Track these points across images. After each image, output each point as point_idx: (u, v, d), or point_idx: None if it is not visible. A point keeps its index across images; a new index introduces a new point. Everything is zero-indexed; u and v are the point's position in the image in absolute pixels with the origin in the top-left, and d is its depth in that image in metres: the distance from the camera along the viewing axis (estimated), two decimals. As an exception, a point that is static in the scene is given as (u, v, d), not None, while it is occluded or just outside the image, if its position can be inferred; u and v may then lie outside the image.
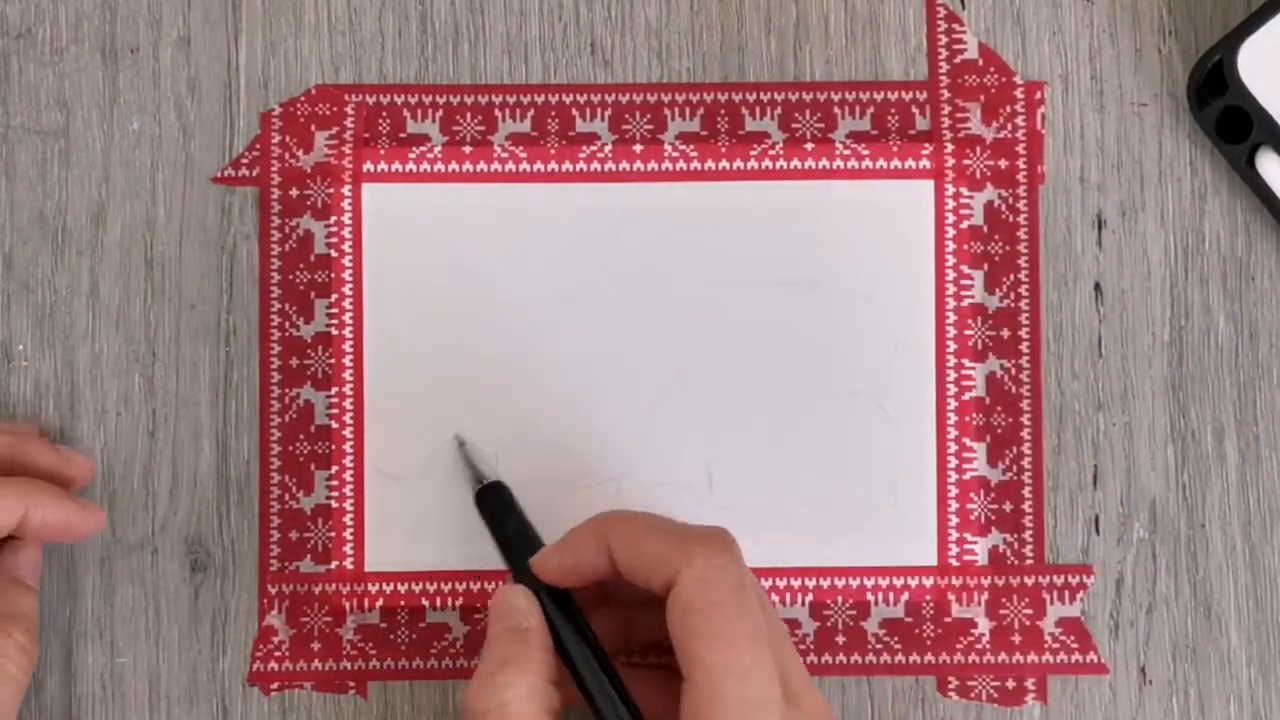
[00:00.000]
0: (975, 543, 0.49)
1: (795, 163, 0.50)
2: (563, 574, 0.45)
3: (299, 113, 0.50)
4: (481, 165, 0.50)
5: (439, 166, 0.50)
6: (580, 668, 0.44)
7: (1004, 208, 0.50)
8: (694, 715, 0.41)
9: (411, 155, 0.50)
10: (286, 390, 0.50)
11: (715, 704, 0.41)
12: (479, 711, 0.43)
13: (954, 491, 0.49)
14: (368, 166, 0.50)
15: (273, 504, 0.49)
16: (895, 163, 0.50)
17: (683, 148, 0.50)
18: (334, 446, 0.50)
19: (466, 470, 0.48)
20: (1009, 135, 0.50)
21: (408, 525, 0.49)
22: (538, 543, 0.46)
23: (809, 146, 0.50)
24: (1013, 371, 0.50)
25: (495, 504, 0.47)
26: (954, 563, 0.49)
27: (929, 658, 0.49)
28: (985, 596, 0.49)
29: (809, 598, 0.49)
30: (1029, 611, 0.49)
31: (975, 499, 0.49)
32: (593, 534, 0.44)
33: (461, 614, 0.49)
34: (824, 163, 0.50)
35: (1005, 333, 0.50)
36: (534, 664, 0.43)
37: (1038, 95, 0.50)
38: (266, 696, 0.49)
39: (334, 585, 0.49)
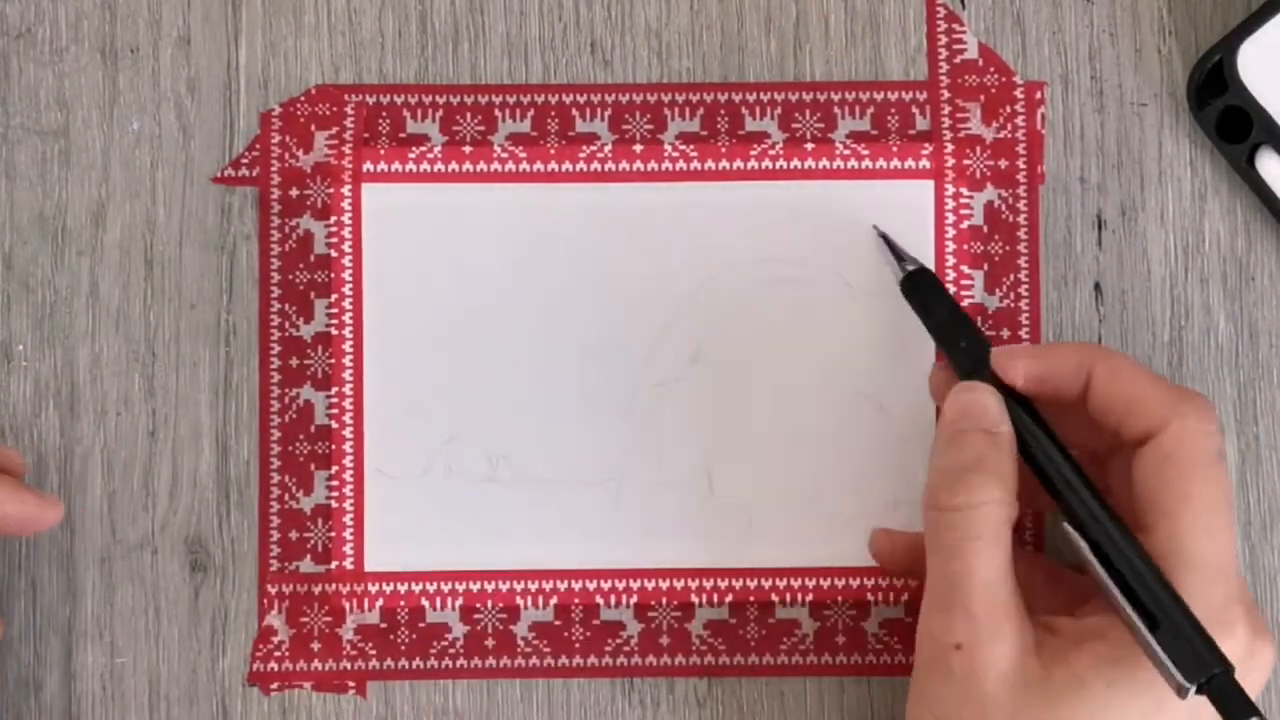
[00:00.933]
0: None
1: (795, 163, 0.50)
2: (1027, 380, 0.44)
3: (299, 113, 0.50)
4: (481, 165, 0.50)
5: (439, 166, 0.50)
6: (1057, 478, 0.43)
7: (1004, 208, 0.50)
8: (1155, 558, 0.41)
9: (411, 155, 0.50)
10: (286, 390, 0.50)
11: (1178, 559, 0.41)
12: (945, 504, 0.42)
13: (954, 491, 0.49)
14: (368, 166, 0.50)
15: (272, 504, 0.49)
16: (895, 163, 0.50)
17: (682, 148, 0.50)
18: (334, 446, 0.50)
19: (889, 257, 0.48)
20: (1009, 135, 0.50)
21: (408, 525, 0.49)
22: (976, 335, 0.46)
23: (809, 146, 0.50)
24: (1013, 371, 0.50)
25: (925, 289, 0.46)
26: (954, 563, 0.49)
27: (929, 658, 0.49)
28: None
29: (809, 598, 0.49)
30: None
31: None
32: (1077, 353, 0.44)
33: (461, 614, 0.49)
34: (824, 163, 0.50)
35: (1005, 333, 0.50)
36: (1008, 471, 0.43)
37: (1038, 95, 0.50)
38: (266, 696, 0.49)
39: (334, 585, 0.49)
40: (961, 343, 0.46)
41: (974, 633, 0.42)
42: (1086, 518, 0.42)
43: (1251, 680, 0.42)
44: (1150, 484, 0.42)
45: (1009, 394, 0.44)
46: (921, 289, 0.47)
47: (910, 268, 0.47)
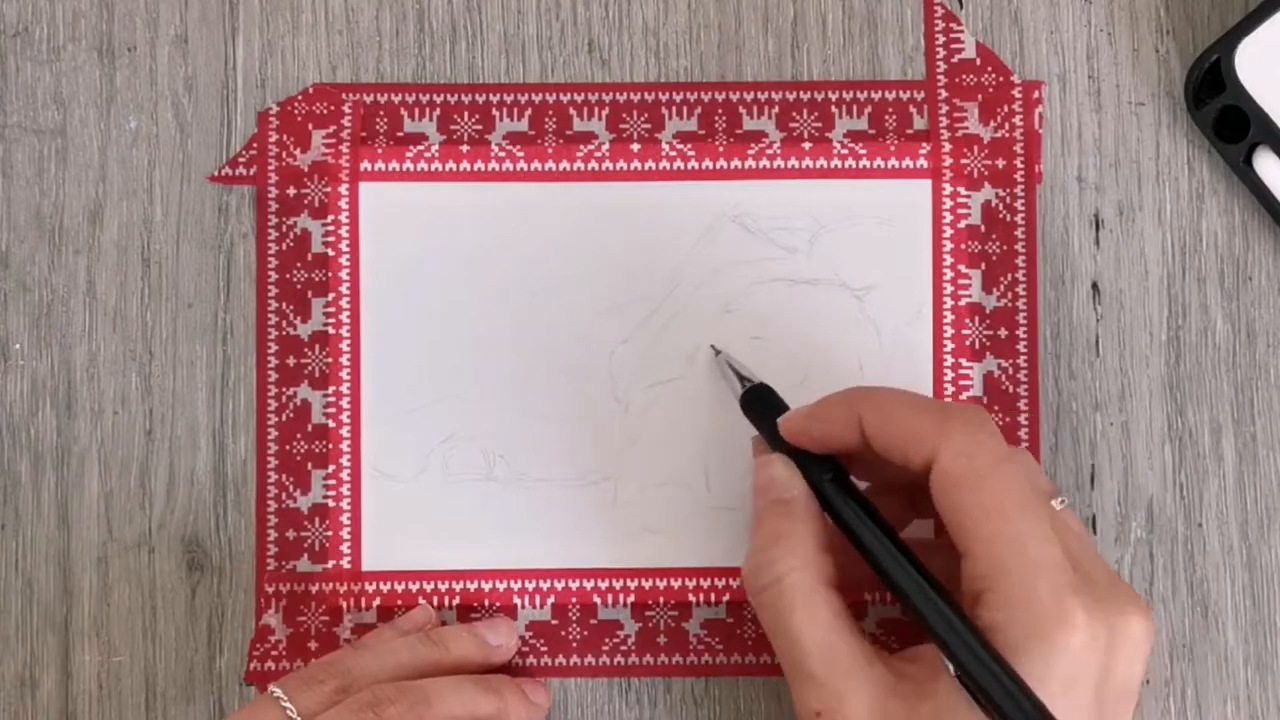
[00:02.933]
0: (972, 542, 0.49)
1: (793, 162, 0.50)
2: (810, 440, 0.44)
3: (296, 112, 0.50)
4: (479, 164, 0.50)
5: (436, 165, 0.50)
6: (857, 529, 0.43)
7: (1001, 207, 0.50)
8: (975, 588, 0.41)
9: (409, 154, 0.50)
10: (284, 389, 0.50)
11: (996, 573, 0.41)
12: (756, 589, 0.43)
13: (951, 491, 0.49)
14: (365, 165, 0.50)
15: (270, 503, 0.49)
16: (893, 162, 0.50)
17: (680, 147, 0.50)
18: (331, 446, 0.50)
19: (729, 377, 0.48)
20: (1006, 135, 0.50)
21: (405, 524, 0.49)
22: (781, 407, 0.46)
23: (807, 146, 0.50)
24: (1010, 371, 0.50)
25: (760, 404, 0.46)
26: (951, 562, 0.49)
27: (926, 657, 0.49)
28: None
29: (806, 597, 0.49)
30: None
31: None
32: (844, 404, 0.43)
33: (458, 613, 0.49)
34: (821, 162, 0.50)
35: (1003, 332, 0.50)
36: (803, 535, 0.43)
37: (1035, 95, 0.50)
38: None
39: (331, 584, 0.49)
40: (769, 416, 0.45)
41: (825, 697, 0.42)
42: (895, 570, 0.42)
43: (1123, 656, 0.41)
44: (947, 512, 0.41)
45: (820, 459, 0.44)
46: (757, 404, 0.46)
47: (750, 384, 0.47)
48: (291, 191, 0.50)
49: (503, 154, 0.50)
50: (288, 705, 0.44)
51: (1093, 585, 0.41)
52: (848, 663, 0.42)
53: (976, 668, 0.40)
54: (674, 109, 0.50)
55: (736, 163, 0.50)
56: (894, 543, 0.42)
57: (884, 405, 0.43)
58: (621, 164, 0.50)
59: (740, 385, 0.47)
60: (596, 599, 0.49)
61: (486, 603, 0.49)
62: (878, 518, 0.43)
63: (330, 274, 0.50)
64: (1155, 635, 0.43)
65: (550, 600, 0.49)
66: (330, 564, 0.49)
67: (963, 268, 0.50)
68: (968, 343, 0.50)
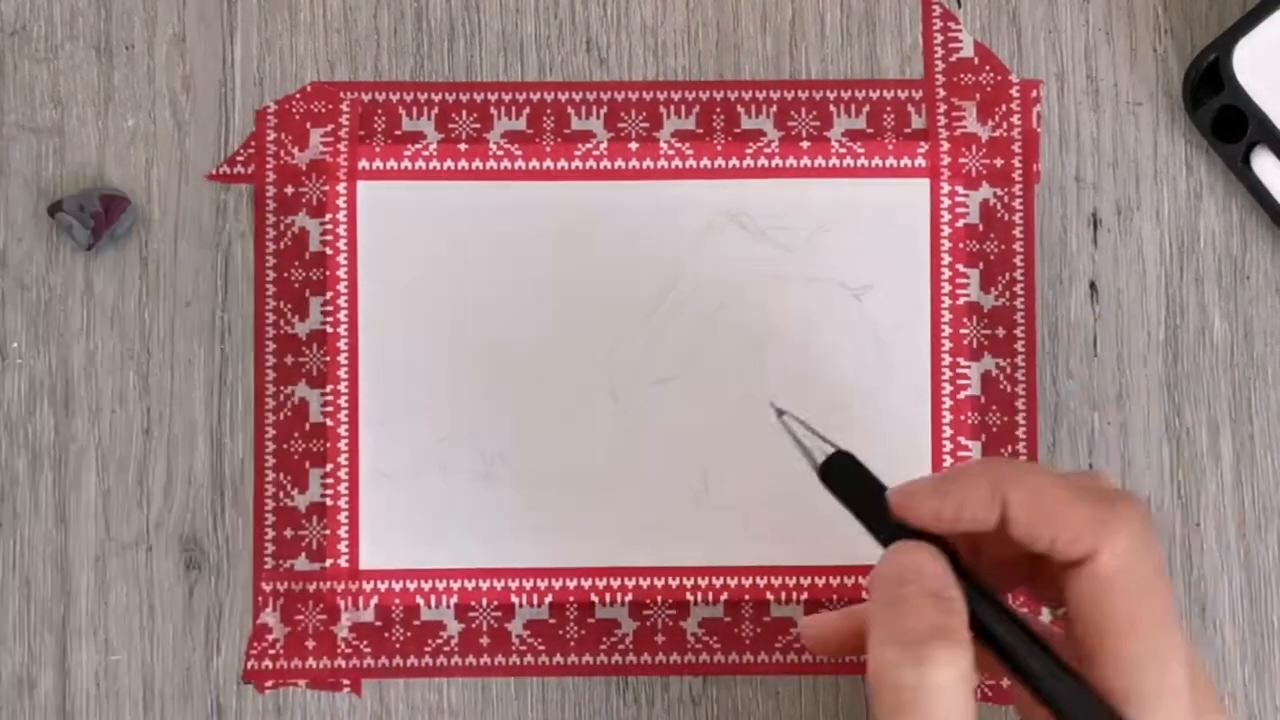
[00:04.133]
0: (970, 541, 0.49)
1: (791, 161, 0.50)
2: (935, 521, 0.39)
3: (294, 110, 0.50)
4: (477, 163, 0.50)
5: (434, 164, 0.50)
6: (1008, 640, 0.38)
7: (999, 206, 0.50)
8: (1104, 690, 0.38)
9: (407, 153, 0.50)
10: (281, 388, 0.50)
11: (1132, 693, 0.37)
12: (901, 686, 0.37)
13: (949, 490, 0.49)
14: (363, 164, 0.50)
15: (267, 502, 0.49)
16: (891, 161, 0.50)
17: (678, 146, 0.50)
18: (329, 444, 0.50)
19: (799, 445, 0.41)
20: (1004, 134, 0.50)
21: (403, 523, 0.49)
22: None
23: (805, 145, 0.50)
24: (1008, 370, 0.50)
25: (843, 474, 0.41)
26: (949, 561, 0.49)
27: (924, 656, 0.49)
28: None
29: (803, 596, 0.49)
30: (1024, 610, 0.49)
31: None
32: (986, 482, 0.38)
33: (456, 612, 0.49)
34: (820, 161, 0.50)
35: (1000, 331, 0.50)
36: (965, 641, 0.37)
37: (1033, 94, 0.50)
38: (261, 695, 0.49)
39: (329, 583, 0.49)
40: (859, 487, 0.41)
41: None
42: (1057, 689, 0.38)
43: None
44: (1089, 612, 0.38)
45: (972, 585, 0.39)
46: (841, 476, 0.41)
47: (829, 453, 0.41)
48: (289, 190, 0.50)
49: (501, 153, 0.50)
50: None
51: (1219, 710, 0.40)
52: None
53: None
54: (672, 108, 0.50)
55: (735, 162, 0.50)
56: (1043, 648, 0.39)
57: (1037, 491, 0.38)
58: (620, 163, 0.50)
59: (815, 454, 0.41)
60: (594, 598, 0.49)
61: (484, 601, 0.49)
62: (1025, 626, 0.39)
63: (328, 273, 0.50)
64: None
65: (548, 599, 0.49)
66: (328, 563, 0.49)
67: (961, 267, 0.50)
68: (966, 342, 0.50)
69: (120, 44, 0.50)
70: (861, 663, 0.49)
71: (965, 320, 0.50)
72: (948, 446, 0.49)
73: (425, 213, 0.50)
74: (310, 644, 0.49)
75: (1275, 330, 0.50)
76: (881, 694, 0.37)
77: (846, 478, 0.41)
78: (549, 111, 0.50)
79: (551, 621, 0.49)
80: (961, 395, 0.49)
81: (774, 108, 0.50)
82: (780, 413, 0.42)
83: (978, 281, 0.50)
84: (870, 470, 0.41)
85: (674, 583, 0.49)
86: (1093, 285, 0.50)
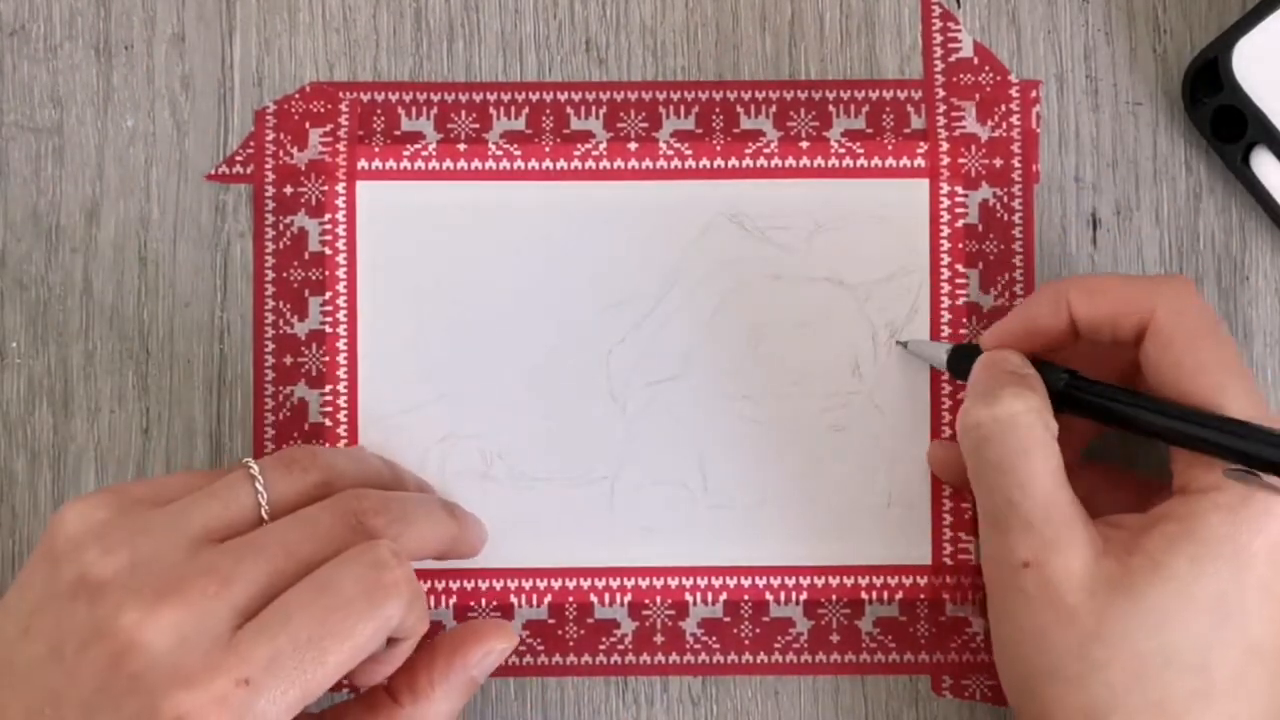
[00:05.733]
0: (970, 541, 0.49)
1: (790, 161, 0.50)
2: (1016, 340, 0.45)
3: (293, 110, 0.50)
4: (476, 163, 0.50)
5: (433, 164, 0.50)
6: (1102, 395, 0.43)
7: (999, 206, 0.50)
8: (1189, 456, 0.42)
9: (406, 153, 0.50)
10: (280, 388, 0.50)
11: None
12: (984, 422, 0.43)
13: (948, 490, 0.49)
14: (362, 164, 0.50)
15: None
16: (890, 161, 0.50)
17: (677, 146, 0.50)
18: (328, 444, 0.49)
19: (928, 353, 0.48)
20: (1004, 134, 0.50)
21: (402, 523, 0.49)
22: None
23: (804, 145, 0.50)
24: (1007, 370, 0.50)
25: (962, 361, 0.46)
26: (948, 561, 0.49)
27: (923, 656, 0.49)
28: (980, 595, 0.49)
29: (803, 596, 0.49)
30: None
31: (970, 497, 0.49)
32: (1049, 292, 0.44)
33: (456, 612, 0.49)
34: (819, 161, 0.50)
35: (1000, 331, 0.50)
36: (1040, 391, 0.43)
37: (1033, 94, 0.50)
38: (260, 695, 0.49)
39: (328, 583, 0.49)
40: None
41: (1039, 547, 0.42)
42: (1164, 418, 0.42)
43: None
44: (1163, 373, 0.42)
45: (1065, 375, 0.44)
46: (966, 360, 0.46)
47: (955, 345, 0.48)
48: (288, 190, 0.50)
49: (500, 153, 0.50)
50: (260, 488, 0.42)
51: None
52: (1068, 515, 0.42)
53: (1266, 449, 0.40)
54: (671, 108, 0.50)
55: (734, 162, 0.50)
56: (1139, 395, 0.43)
57: (1091, 281, 0.44)
58: (619, 163, 0.50)
59: (943, 351, 0.47)
60: (593, 598, 0.49)
61: (483, 601, 0.49)
62: (1114, 387, 0.44)
63: (327, 272, 0.50)
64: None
65: (547, 599, 0.49)
66: (327, 563, 0.49)
67: (960, 267, 0.50)
68: (965, 342, 0.50)
69: (119, 44, 0.50)
70: (862, 663, 0.49)
71: (965, 320, 0.50)
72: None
73: (424, 213, 0.50)
74: (309, 644, 0.49)
75: (1275, 331, 0.50)
76: (965, 440, 0.43)
77: (964, 363, 0.46)
78: (548, 111, 0.50)
79: (550, 622, 0.49)
80: (961, 395, 0.49)
81: (773, 108, 0.50)
82: (904, 344, 0.49)
83: (977, 282, 0.50)
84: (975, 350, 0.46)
85: (673, 583, 0.49)
86: (1092, 285, 0.50)
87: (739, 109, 0.50)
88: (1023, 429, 0.42)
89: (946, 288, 0.50)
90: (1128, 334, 0.43)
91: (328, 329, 0.50)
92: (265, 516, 0.42)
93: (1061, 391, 0.44)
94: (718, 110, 0.50)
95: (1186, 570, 0.41)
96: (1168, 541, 0.41)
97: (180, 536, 0.40)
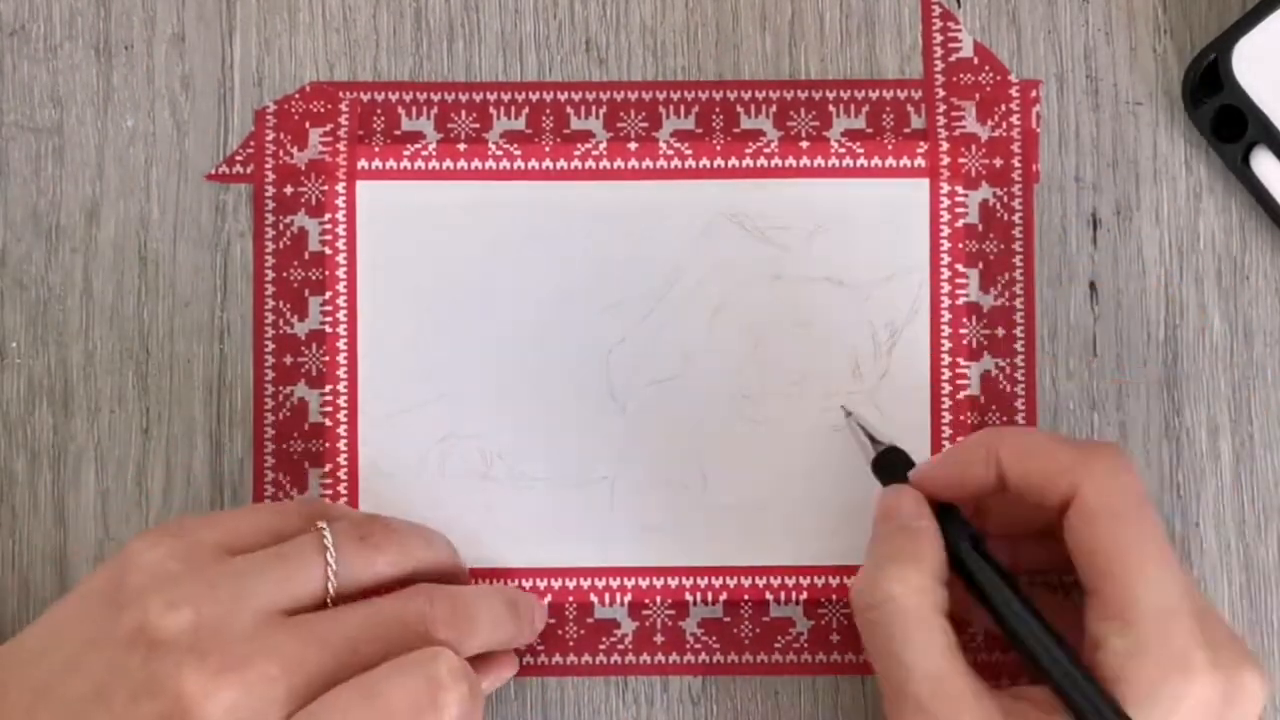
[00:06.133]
0: (970, 541, 0.49)
1: (790, 161, 0.50)
2: (945, 487, 0.44)
3: (293, 110, 0.50)
4: (476, 163, 0.50)
5: (433, 164, 0.50)
6: (978, 577, 0.42)
7: (999, 206, 0.50)
8: (1102, 630, 0.41)
9: (406, 153, 0.50)
10: (280, 388, 0.50)
11: (1127, 615, 0.40)
12: (865, 606, 0.42)
13: (948, 490, 0.49)
14: (362, 164, 0.50)
15: (267, 501, 0.49)
16: (890, 161, 0.50)
17: (677, 145, 0.50)
18: (328, 444, 0.49)
19: (860, 440, 0.47)
20: (1004, 134, 0.50)
21: (402, 523, 0.49)
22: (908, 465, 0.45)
23: (804, 144, 0.50)
24: (1007, 370, 0.50)
25: (891, 467, 0.45)
26: (948, 561, 0.49)
27: (923, 656, 0.49)
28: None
29: (803, 596, 0.49)
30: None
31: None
32: (981, 446, 0.43)
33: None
34: (819, 161, 0.50)
35: (1000, 331, 0.50)
36: (925, 561, 0.42)
37: (1033, 94, 0.50)
38: (260, 694, 0.49)
39: (328, 583, 0.49)
40: (899, 476, 0.45)
41: None
42: (1018, 624, 0.42)
43: (1237, 712, 0.41)
44: (1082, 547, 0.41)
45: (943, 508, 0.44)
46: (890, 468, 0.46)
47: (881, 447, 0.46)
48: (289, 190, 0.50)
49: (500, 153, 0.50)
50: (331, 562, 0.42)
51: (1216, 639, 0.41)
52: (957, 693, 0.41)
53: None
54: (671, 108, 0.50)
55: (734, 161, 0.50)
56: (1018, 595, 0.42)
57: (1023, 441, 0.43)
58: (619, 163, 0.50)
59: (872, 448, 0.46)
60: (593, 598, 0.49)
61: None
62: (1003, 571, 0.43)
63: (327, 272, 0.50)
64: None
65: (547, 599, 0.49)
66: (327, 563, 0.49)
67: (960, 267, 0.50)
68: (965, 342, 0.50)
69: (119, 44, 0.50)
70: (862, 663, 0.49)
71: (965, 320, 0.50)
72: (947, 447, 0.49)
73: (424, 213, 0.50)
74: (309, 644, 0.49)
75: (1275, 330, 0.50)
76: (858, 621, 0.43)
77: (891, 468, 0.45)
78: (548, 111, 0.50)
79: (550, 621, 0.49)
80: (961, 395, 0.49)
81: (773, 107, 0.50)
82: (848, 413, 0.47)
83: (977, 281, 0.50)
84: (912, 460, 0.46)
85: (673, 583, 0.49)
86: (1092, 285, 0.50)
87: (739, 109, 0.50)
88: (901, 613, 0.41)
89: (947, 287, 0.50)
90: (1053, 502, 0.42)
91: (328, 329, 0.50)
92: (332, 593, 0.42)
93: (952, 554, 0.43)
94: (718, 110, 0.50)
95: None
96: None
97: (247, 605, 0.40)
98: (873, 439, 0.46)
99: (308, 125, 0.50)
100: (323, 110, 0.50)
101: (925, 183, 0.50)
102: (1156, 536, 0.41)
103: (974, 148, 0.50)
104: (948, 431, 0.49)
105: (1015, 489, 0.43)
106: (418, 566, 0.44)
